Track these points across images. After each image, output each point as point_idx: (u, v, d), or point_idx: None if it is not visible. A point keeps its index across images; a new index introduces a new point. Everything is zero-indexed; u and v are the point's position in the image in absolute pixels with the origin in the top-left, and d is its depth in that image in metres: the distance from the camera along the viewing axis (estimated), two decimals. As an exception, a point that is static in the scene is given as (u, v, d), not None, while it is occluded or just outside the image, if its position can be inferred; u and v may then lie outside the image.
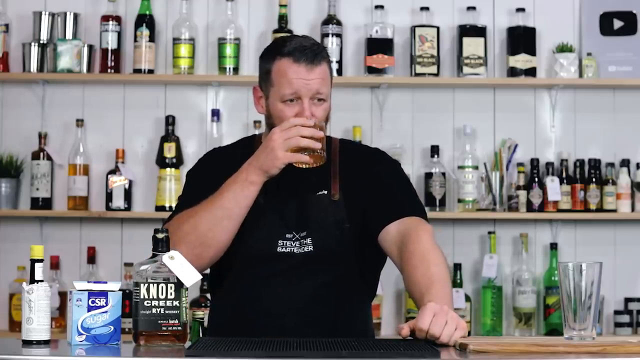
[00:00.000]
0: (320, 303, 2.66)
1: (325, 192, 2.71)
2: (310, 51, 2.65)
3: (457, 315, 2.30)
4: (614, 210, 4.47)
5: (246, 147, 2.80)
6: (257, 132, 4.39)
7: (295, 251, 2.67)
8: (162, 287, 2.24)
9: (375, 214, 2.68)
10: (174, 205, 4.35)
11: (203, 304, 4.21)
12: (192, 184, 2.80)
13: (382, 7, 4.50)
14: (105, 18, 4.45)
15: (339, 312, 2.69)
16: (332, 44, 4.41)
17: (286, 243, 2.67)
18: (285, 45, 2.67)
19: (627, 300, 4.54)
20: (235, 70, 4.45)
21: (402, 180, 2.80)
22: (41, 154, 4.44)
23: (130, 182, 4.46)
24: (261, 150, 2.61)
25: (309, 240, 2.67)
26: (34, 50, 4.42)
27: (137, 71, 4.43)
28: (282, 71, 2.64)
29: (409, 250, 2.56)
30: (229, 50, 4.44)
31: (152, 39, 4.45)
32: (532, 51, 4.51)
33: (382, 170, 2.77)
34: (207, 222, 2.60)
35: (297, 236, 2.67)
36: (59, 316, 4.34)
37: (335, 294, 2.67)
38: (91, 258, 4.43)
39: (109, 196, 4.44)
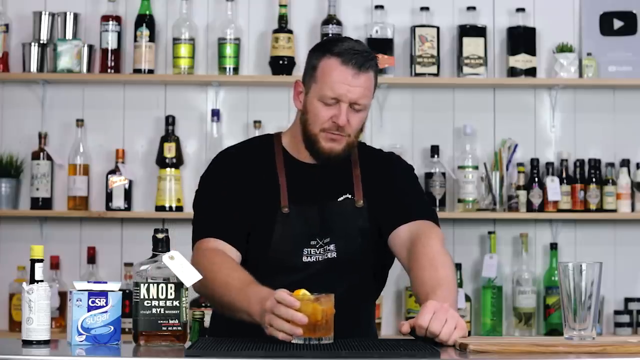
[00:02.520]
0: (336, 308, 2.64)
1: (349, 196, 2.69)
2: (361, 56, 2.60)
3: (457, 315, 2.30)
4: (614, 210, 4.47)
5: (264, 148, 2.74)
6: (257, 132, 4.40)
7: (319, 259, 2.65)
8: (162, 287, 2.25)
9: (387, 216, 2.68)
10: (174, 205, 4.36)
11: (203, 304, 4.21)
12: (210, 191, 2.72)
13: (382, 7, 4.50)
14: (105, 18, 4.45)
15: (349, 314, 2.66)
16: (332, 44, 4.40)
17: (311, 251, 2.65)
18: (336, 45, 2.62)
19: (627, 300, 4.53)
20: (235, 70, 4.45)
21: (415, 185, 2.79)
22: (41, 154, 4.44)
23: (130, 182, 4.46)
24: (259, 308, 2.36)
25: (332, 247, 2.66)
26: (34, 50, 4.42)
27: (137, 71, 4.43)
28: (328, 71, 2.60)
29: (419, 251, 2.56)
30: (229, 50, 4.44)
31: (152, 39, 4.45)
32: (532, 51, 4.51)
33: (397, 174, 2.76)
34: (214, 294, 2.55)
35: (320, 242, 2.65)
36: (59, 316, 4.34)
37: (349, 298, 2.63)
38: (91, 258, 4.43)
39: (109, 196, 4.44)
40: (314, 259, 2.65)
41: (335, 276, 2.64)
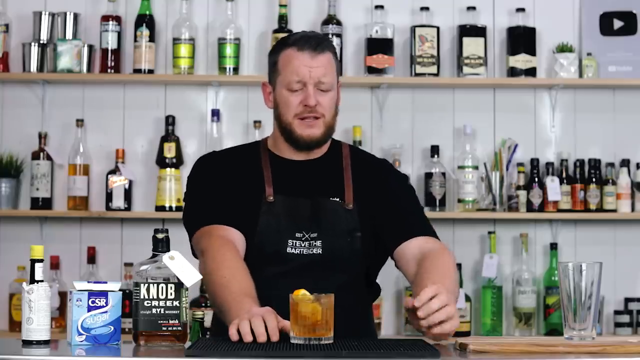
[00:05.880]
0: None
1: (338, 199, 2.71)
2: (314, 40, 2.72)
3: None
4: (614, 210, 4.47)
5: (250, 151, 2.81)
6: (257, 132, 4.41)
7: (304, 252, 2.66)
8: (162, 287, 2.25)
9: (392, 231, 2.71)
10: (174, 205, 4.37)
11: (203, 304, 4.21)
12: (199, 187, 2.77)
13: (382, 7, 4.50)
14: (105, 18, 4.45)
15: (343, 316, 2.65)
16: (332, 44, 4.41)
17: (295, 243, 2.66)
18: (290, 38, 2.76)
19: (627, 300, 4.54)
20: (235, 70, 4.45)
21: (414, 198, 2.84)
22: (41, 154, 4.44)
23: (130, 182, 4.46)
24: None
25: (318, 243, 2.67)
26: (34, 50, 4.42)
27: (137, 71, 4.43)
28: (287, 59, 2.70)
29: (429, 265, 2.59)
30: (229, 50, 4.44)
31: (152, 39, 4.45)
32: (532, 51, 4.51)
33: (396, 186, 2.80)
34: (213, 288, 2.55)
35: (307, 236, 2.67)
36: (59, 316, 4.34)
37: (339, 299, 2.64)
38: (91, 258, 4.43)
39: (109, 196, 4.44)
40: (298, 252, 2.66)
41: (319, 273, 2.64)
